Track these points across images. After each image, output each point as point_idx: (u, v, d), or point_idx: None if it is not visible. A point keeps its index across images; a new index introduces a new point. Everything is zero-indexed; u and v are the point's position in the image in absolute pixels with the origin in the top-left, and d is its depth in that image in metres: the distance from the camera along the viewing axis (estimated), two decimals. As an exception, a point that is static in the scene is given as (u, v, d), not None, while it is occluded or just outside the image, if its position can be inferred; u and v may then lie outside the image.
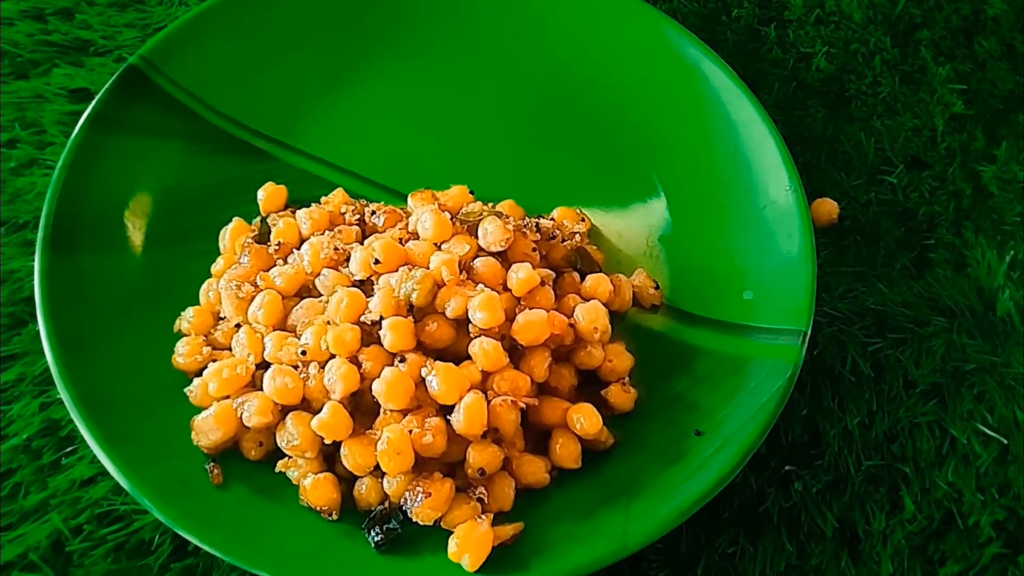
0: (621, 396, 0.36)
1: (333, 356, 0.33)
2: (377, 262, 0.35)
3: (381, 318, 0.34)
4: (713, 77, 0.42)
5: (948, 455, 0.36)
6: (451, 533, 0.31)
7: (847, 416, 0.37)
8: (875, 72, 0.48)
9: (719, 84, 0.42)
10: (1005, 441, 0.36)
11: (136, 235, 0.39)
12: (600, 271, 0.38)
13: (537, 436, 0.35)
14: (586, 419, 0.34)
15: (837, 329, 0.40)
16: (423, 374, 0.33)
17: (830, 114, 0.47)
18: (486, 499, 0.32)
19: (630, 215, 0.41)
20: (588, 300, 0.36)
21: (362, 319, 0.34)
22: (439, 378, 0.32)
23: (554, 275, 0.37)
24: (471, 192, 0.40)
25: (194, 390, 0.34)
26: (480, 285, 0.35)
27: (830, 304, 0.40)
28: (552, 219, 0.40)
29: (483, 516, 0.31)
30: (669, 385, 0.37)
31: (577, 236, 0.39)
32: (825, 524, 0.34)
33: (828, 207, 0.43)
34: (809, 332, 0.35)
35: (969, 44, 0.49)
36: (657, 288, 0.39)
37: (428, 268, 0.35)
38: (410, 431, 0.32)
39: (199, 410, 0.34)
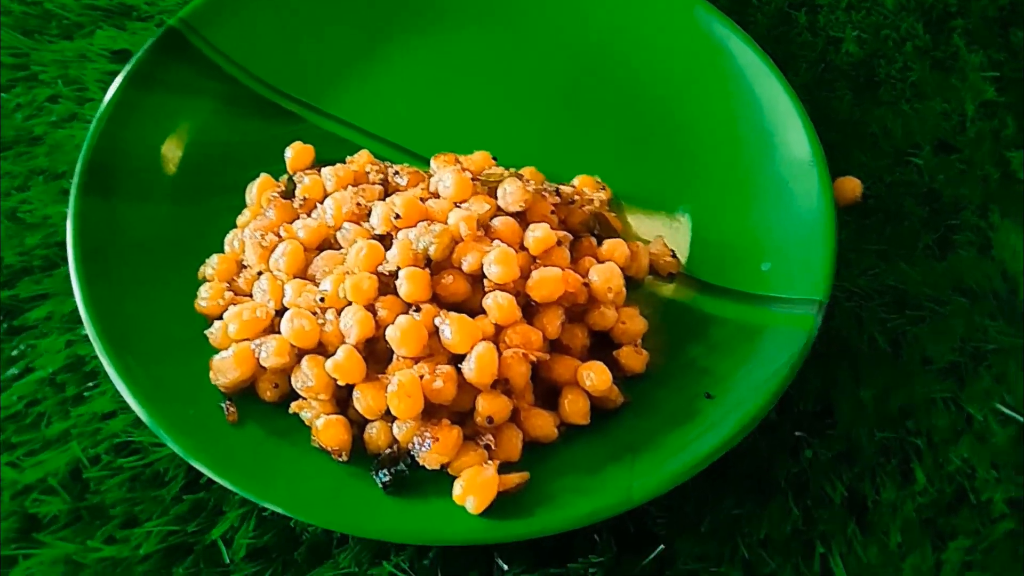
0: (633, 357, 0.36)
1: (350, 303, 0.34)
2: (398, 217, 0.36)
3: (398, 269, 0.34)
4: (740, 54, 0.43)
5: (963, 432, 0.36)
6: (455, 479, 0.32)
7: (862, 389, 0.37)
8: (906, 57, 0.48)
9: (746, 61, 0.42)
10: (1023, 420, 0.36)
11: (166, 186, 0.40)
12: (618, 237, 0.39)
13: (547, 393, 0.35)
14: (596, 375, 0.34)
15: (856, 304, 0.39)
16: (437, 323, 0.33)
17: (858, 97, 0.46)
18: (493, 446, 0.32)
19: (651, 186, 0.41)
20: (604, 263, 0.37)
21: (380, 269, 0.35)
22: (452, 328, 0.33)
23: (571, 238, 0.37)
24: (494, 158, 0.41)
25: (214, 332, 0.35)
26: (496, 241, 0.35)
27: (850, 280, 0.40)
28: (573, 186, 0.41)
29: (490, 462, 0.32)
30: (683, 352, 0.37)
31: (596, 202, 0.40)
32: (834, 492, 0.34)
33: (852, 185, 0.42)
34: (826, 302, 0.35)
35: (1005, 34, 0.49)
36: (674, 256, 0.39)
37: (446, 223, 0.35)
38: (421, 376, 0.32)
39: (218, 351, 0.35)
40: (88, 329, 0.34)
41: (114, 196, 0.38)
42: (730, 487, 0.34)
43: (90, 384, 0.36)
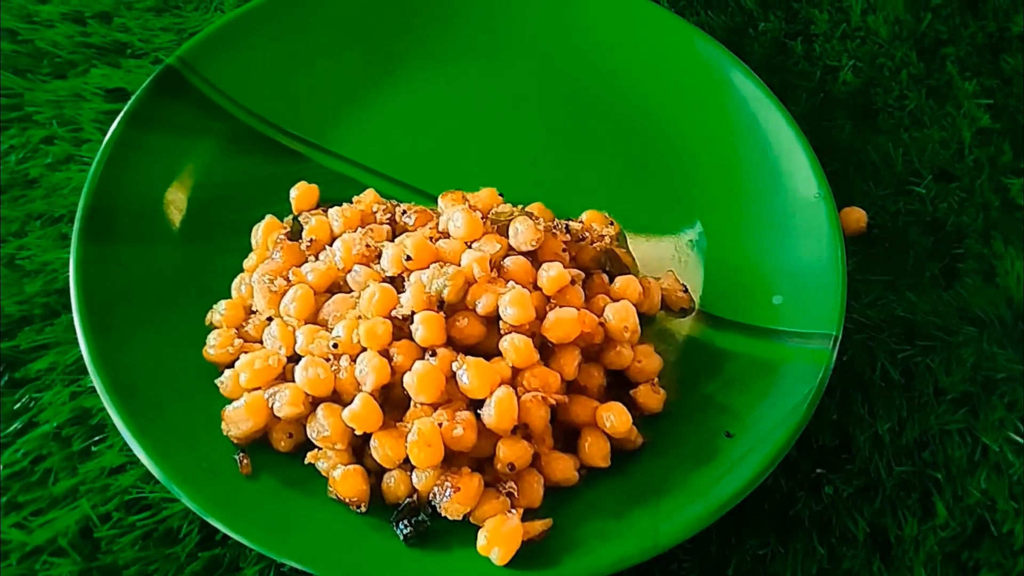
0: (650, 397, 0.36)
1: (364, 349, 0.33)
2: (409, 259, 0.35)
3: (412, 313, 0.34)
4: (742, 87, 0.43)
5: (980, 463, 0.36)
6: (480, 528, 0.31)
7: (877, 422, 0.37)
8: (902, 86, 0.48)
9: (748, 93, 0.43)
10: (1038, 450, 0.36)
11: (170, 229, 0.39)
12: (629, 273, 0.39)
13: (566, 435, 0.35)
14: (616, 417, 0.34)
15: (866, 336, 0.39)
16: (454, 368, 0.33)
17: (857, 126, 0.47)
18: (516, 494, 0.32)
19: (658, 220, 0.41)
20: (618, 301, 0.36)
21: (393, 314, 0.34)
22: (470, 372, 0.32)
23: (584, 275, 0.37)
24: (500, 195, 0.40)
25: (225, 381, 0.34)
26: (511, 283, 0.35)
27: (859, 312, 0.40)
28: (581, 222, 0.40)
29: (513, 511, 0.31)
30: (699, 388, 0.36)
31: (606, 239, 0.39)
32: (856, 528, 0.34)
33: (856, 215, 0.43)
34: (839, 337, 0.35)
35: (995, 60, 0.50)
36: (686, 291, 0.39)
37: (459, 266, 0.35)
38: (440, 424, 0.32)
39: (229, 401, 0.34)
40: (94, 380, 0.33)
41: (116, 241, 0.38)
42: (753, 526, 0.34)
43: (97, 438, 0.35)
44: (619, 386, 0.36)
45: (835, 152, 0.46)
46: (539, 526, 0.32)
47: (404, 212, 0.39)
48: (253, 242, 0.39)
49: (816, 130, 0.46)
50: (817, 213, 0.39)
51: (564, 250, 0.37)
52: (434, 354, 0.33)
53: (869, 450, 0.36)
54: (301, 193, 0.40)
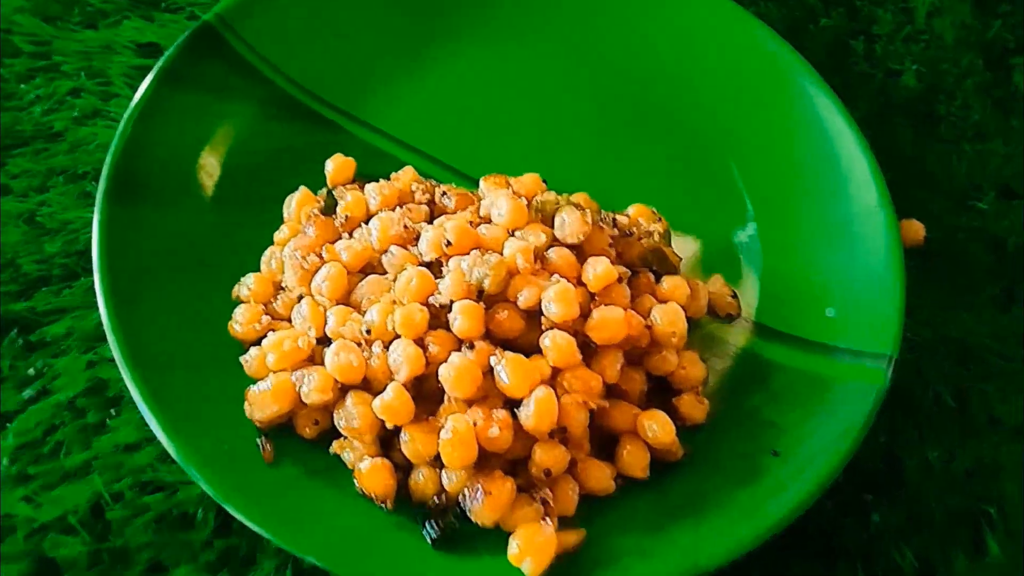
0: (694, 406, 0.34)
1: (398, 336, 0.32)
2: (449, 244, 0.33)
3: (451, 302, 0.32)
4: (804, 84, 0.41)
5: (1034, 499, 0.34)
6: (511, 535, 0.30)
7: (927, 448, 0.35)
8: (965, 95, 0.46)
9: (810, 93, 0.41)
10: (1097, 490, 0.34)
11: (199, 195, 0.37)
12: (677, 273, 0.37)
13: (602, 442, 0.33)
14: (660, 427, 0.32)
15: (918, 356, 0.38)
16: (492, 364, 0.31)
17: (917, 133, 0.45)
18: (551, 503, 0.30)
19: (709, 219, 0.40)
20: (664, 303, 0.35)
21: (430, 301, 0.32)
22: (509, 369, 0.31)
23: (630, 273, 0.35)
24: (544, 181, 0.38)
25: (250, 360, 0.33)
26: (555, 276, 0.33)
27: (912, 329, 0.38)
28: (627, 216, 0.38)
29: (548, 519, 0.30)
30: (744, 401, 0.35)
31: (654, 235, 0.37)
32: (903, 560, 0.32)
33: (915, 228, 0.41)
34: (896, 357, 0.34)
35: (1064, 74, 0.47)
36: (734, 297, 0.37)
37: (501, 254, 0.33)
38: (475, 423, 0.30)
39: (253, 381, 0.32)
40: (113, 349, 0.32)
41: (143, 203, 0.36)
42: (796, 550, 0.32)
43: (113, 411, 0.33)
44: (659, 393, 0.34)
45: (894, 160, 0.43)
46: (573, 537, 0.30)
47: (444, 194, 0.37)
48: (285, 214, 0.37)
49: (875, 135, 0.44)
50: (876, 223, 0.37)
51: (611, 245, 0.35)
52: (472, 347, 0.31)
53: (918, 478, 0.34)
54: (337, 166, 0.38)
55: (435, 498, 0.31)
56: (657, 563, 0.29)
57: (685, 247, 0.39)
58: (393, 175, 0.38)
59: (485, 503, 0.30)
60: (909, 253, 0.40)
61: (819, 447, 0.32)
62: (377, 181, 0.37)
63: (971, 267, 0.40)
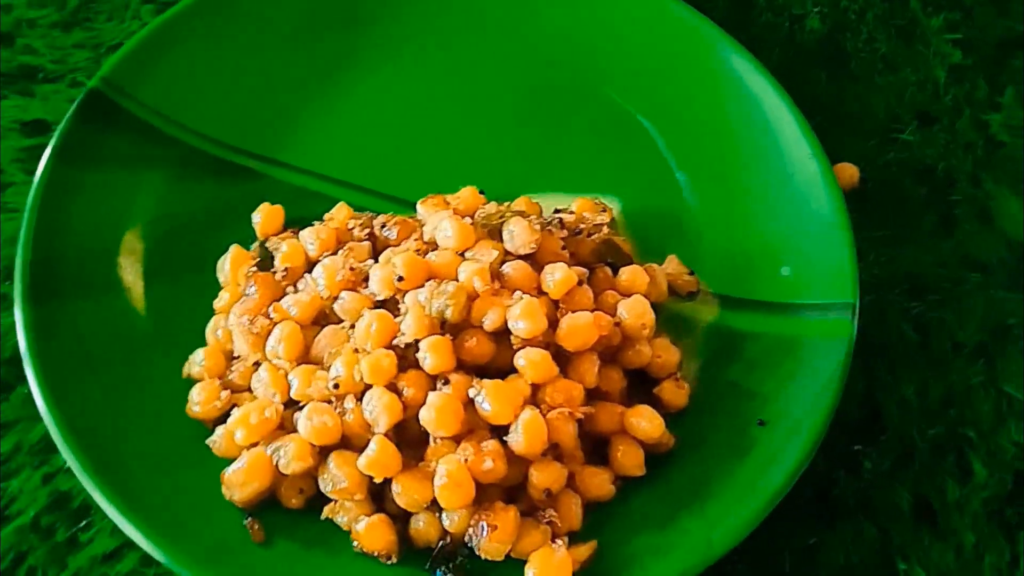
0: (675, 393, 0.34)
1: (369, 386, 0.31)
2: (401, 279, 0.32)
3: (416, 340, 0.31)
4: (719, 48, 0.41)
5: (1007, 414, 0.35)
6: (525, 562, 0.29)
7: (902, 386, 0.36)
8: (869, 29, 0.47)
9: (726, 55, 0.41)
10: (1062, 393, 0.36)
11: (126, 275, 0.35)
12: (632, 262, 0.36)
13: (593, 445, 0.33)
14: (648, 421, 0.32)
15: (876, 296, 0.38)
16: (471, 395, 0.30)
17: (831, 75, 0.45)
18: (557, 522, 0.30)
19: (649, 198, 0.39)
20: (626, 295, 0.34)
21: (395, 342, 0.31)
22: (490, 397, 0.30)
23: (587, 272, 0.35)
24: (482, 192, 0.37)
25: (218, 440, 0.31)
26: (516, 292, 0.32)
27: (865, 271, 0.39)
28: (572, 212, 0.38)
29: (558, 540, 0.29)
30: (721, 375, 0.35)
31: (603, 228, 0.37)
32: (900, 501, 0.33)
33: (849, 172, 0.41)
34: (857, 304, 0.34)
35: (955, -8, 0.49)
36: (692, 274, 0.37)
37: (457, 280, 0.32)
38: (467, 459, 0.29)
39: (225, 461, 0.31)
40: (67, 458, 0.30)
41: (67, 297, 0.34)
42: (798, 514, 0.33)
43: (83, 523, 0.31)
44: (639, 384, 0.34)
45: (814, 106, 0.43)
46: (585, 551, 0.30)
47: (383, 225, 0.36)
48: (221, 278, 0.36)
49: (791, 84, 0.44)
50: (812, 174, 0.38)
51: (563, 247, 0.35)
52: (447, 382, 0.31)
53: (899, 418, 0.35)
54: (265, 216, 0.37)
55: (440, 542, 0.30)
56: (674, 558, 0.29)
57: (635, 231, 0.38)
58: (326, 215, 0.37)
59: (492, 537, 0.29)
60: (848, 196, 0.41)
61: (802, 408, 0.32)
62: (311, 225, 0.36)
63: (907, 200, 0.41)
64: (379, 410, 0.30)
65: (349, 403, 0.31)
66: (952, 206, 0.41)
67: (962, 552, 0.32)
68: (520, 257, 0.34)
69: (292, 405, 0.32)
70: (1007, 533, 0.33)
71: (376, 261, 0.34)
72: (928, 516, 0.33)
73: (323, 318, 0.34)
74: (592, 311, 0.33)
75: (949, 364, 0.37)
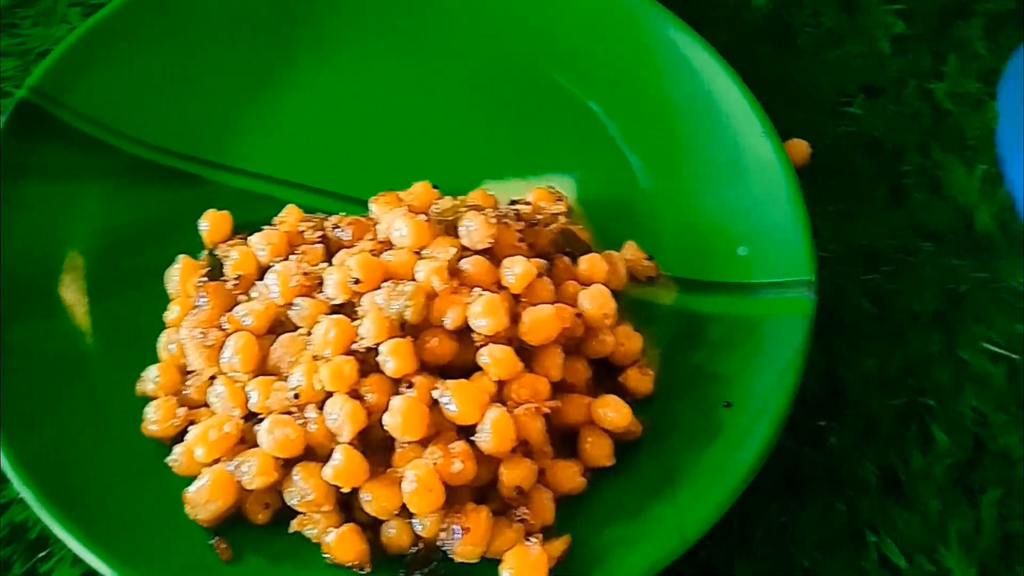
0: (640, 380, 0.34)
1: (331, 394, 0.30)
2: (357, 281, 0.32)
3: (376, 344, 0.30)
4: (666, 29, 0.40)
5: (964, 380, 0.36)
6: (500, 562, 0.29)
7: (862, 359, 0.36)
8: (814, 3, 0.47)
9: (673, 36, 0.40)
10: (1015, 357, 0.36)
11: (70, 292, 0.34)
12: (591, 250, 0.36)
13: (561, 438, 0.32)
14: (614, 411, 0.32)
15: (832, 271, 0.39)
16: (436, 396, 0.30)
17: (778, 51, 0.45)
18: (530, 519, 0.30)
19: (604, 185, 0.39)
20: (587, 284, 0.34)
21: (354, 347, 0.31)
22: (455, 398, 0.29)
23: (547, 263, 0.35)
24: (435, 187, 0.37)
25: (177, 459, 0.30)
26: (476, 289, 0.32)
27: (820, 247, 0.39)
28: (528, 203, 0.37)
29: (533, 538, 0.29)
30: (684, 359, 0.35)
31: (560, 217, 0.37)
32: (867, 472, 0.34)
33: (800, 148, 0.41)
34: (815, 281, 0.34)
35: (896, -38, 0.49)
36: (651, 259, 0.37)
37: (415, 279, 0.32)
38: (435, 463, 0.29)
39: (186, 480, 0.30)
40: (20, 489, 0.29)
41: (7, 320, 0.32)
42: (767, 493, 0.33)
43: (41, 554, 0.30)
44: (604, 373, 0.34)
45: (763, 83, 0.43)
46: (559, 546, 0.29)
47: (336, 226, 0.35)
48: (170, 290, 0.34)
49: (739, 62, 0.44)
50: (764, 152, 0.38)
51: (521, 240, 0.34)
52: (410, 385, 0.30)
53: (861, 391, 0.36)
54: (212, 223, 0.36)
55: (413, 548, 0.29)
56: (646, 547, 0.29)
57: (592, 218, 0.38)
58: (276, 219, 0.36)
59: (465, 540, 0.29)
60: (800, 172, 0.41)
61: (767, 387, 0.33)
62: (260, 230, 0.35)
63: (858, 173, 0.42)
64: (342, 418, 0.29)
65: (311, 412, 0.30)
66: (902, 176, 0.42)
67: (928, 520, 0.33)
68: (478, 252, 0.33)
69: (252, 418, 0.31)
70: (970, 498, 0.33)
71: (330, 264, 0.33)
72: (894, 487, 0.34)
73: (279, 326, 0.33)
74: (553, 303, 0.32)
75: (907, 334, 0.37)
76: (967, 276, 0.39)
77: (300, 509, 0.29)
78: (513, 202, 0.37)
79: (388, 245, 0.34)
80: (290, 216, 0.36)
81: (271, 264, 0.34)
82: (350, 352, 0.30)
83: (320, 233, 0.35)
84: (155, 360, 0.33)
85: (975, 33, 0.46)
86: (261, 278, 0.33)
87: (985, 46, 0.45)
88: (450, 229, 0.34)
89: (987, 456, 0.34)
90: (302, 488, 0.29)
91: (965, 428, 0.35)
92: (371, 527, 0.30)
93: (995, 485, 0.34)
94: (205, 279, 0.34)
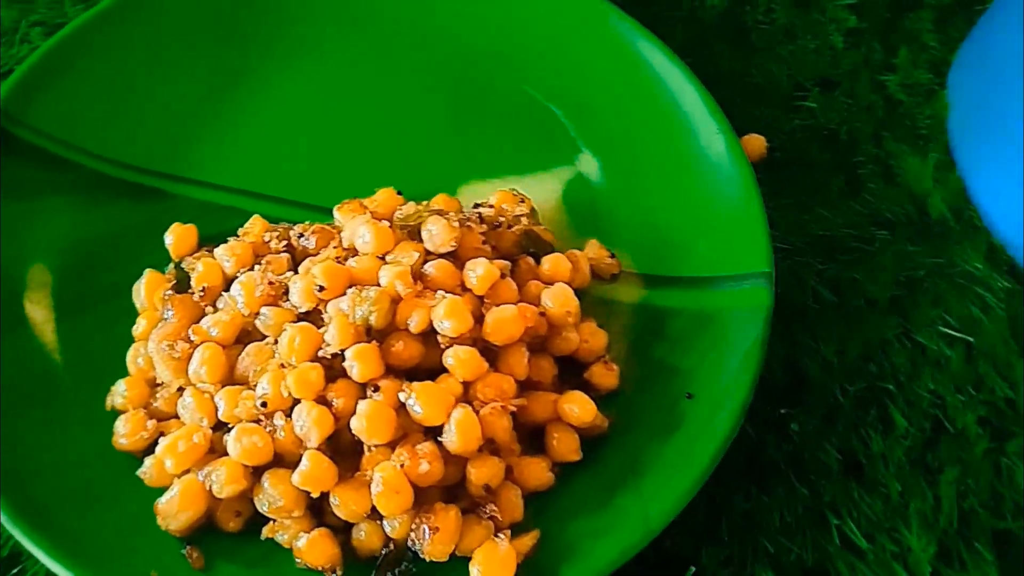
0: (605, 375, 0.34)
1: (298, 401, 0.30)
2: (322, 288, 0.32)
3: (342, 350, 0.31)
4: (621, 29, 0.41)
5: (922, 363, 0.37)
6: (469, 559, 0.29)
7: (822, 346, 0.37)
8: (767, 0, 0.48)
9: (629, 36, 0.41)
10: (971, 339, 0.37)
11: (37, 310, 0.34)
12: (554, 250, 0.37)
13: (528, 435, 0.33)
14: (579, 407, 0.32)
15: (791, 262, 0.40)
16: (402, 399, 0.30)
17: (734, 49, 0.46)
18: (499, 516, 0.30)
19: (566, 184, 0.40)
20: (550, 283, 0.35)
21: (320, 354, 0.31)
22: (421, 400, 0.30)
23: (509, 264, 0.35)
24: (399, 193, 0.37)
25: (148, 471, 0.31)
26: (439, 292, 0.32)
27: (779, 238, 0.40)
28: (491, 205, 0.38)
29: (501, 535, 0.29)
30: (647, 354, 0.35)
31: (523, 219, 0.37)
32: (828, 458, 0.34)
33: (757, 143, 0.42)
34: (773, 272, 0.35)
35: (844, -42, 0.50)
36: (613, 257, 0.38)
37: (379, 285, 0.32)
38: (402, 464, 0.29)
39: (158, 491, 0.30)
40: (-10, 506, 0.29)
41: (-25, 340, 0.32)
42: (732, 481, 0.34)
43: (14, 571, 0.30)
44: (569, 370, 0.35)
45: (720, 80, 0.44)
46: (528, 541, 0.30)
47: (300, 235, 0.35)
48: (137, 304, 0.35)
49: (696, 61, 0.45)
50: (720, 148, 0.38)
51: (484, 242, 0.35)
52: (376, 388, 0.30)
53: (821, 377, 0.36)
54: (178, 236, 0.36)
55: (383, 549, 0.30)
56: (613, 539, 0.30)
57: (553, 218, 0.39)
58: (241, 230, 0.36)
59: (434, 539, 0.29)
60: (757, 166, 0.42)
61: (728, 378, 0.33)
62: (225, 242, 0.35)
63: (815, 166, 0.42)
64: (310, 424, 0.30)
65: (279, 420, 0.30)
66: (857, 167, 0.42)
67: (889, 501, 0.34)
68: (442, 256, 0.34)
69: (221, 428, 0.31)
70: (929, 478, 0.34)
71: (296, 272, 0.34)
72: (855, 470, 0.34)
73: (245, 336, 0.33)
74: (517, 303, 0.33)
75: (865, 320, 0.38)
76: (923, 262, 0.40)
77: (271, 515, 0.30)
78: (476, 205, 0.38)
79: (353, 252, 0.34)
80: (255, 227, 0.36)
81: (237, 275, 0.34)
82: (316, 359, 0.31)
83: (285, 242, 0.35)
84: (124, 374, 0.33)
85: (925, 25, 0.47)
86: (227, 289, 0.34)
87: (935, 38, 0.46)
88: (414, 234, 0.34)
89: (945, 437, 0.35)
90: (272, 495, 0.29)
91: (923, 410, 0.36)
92: (342, 531, 0.30)
93: (953, 464, 0.35)
94: (171, 292, 0.34)
